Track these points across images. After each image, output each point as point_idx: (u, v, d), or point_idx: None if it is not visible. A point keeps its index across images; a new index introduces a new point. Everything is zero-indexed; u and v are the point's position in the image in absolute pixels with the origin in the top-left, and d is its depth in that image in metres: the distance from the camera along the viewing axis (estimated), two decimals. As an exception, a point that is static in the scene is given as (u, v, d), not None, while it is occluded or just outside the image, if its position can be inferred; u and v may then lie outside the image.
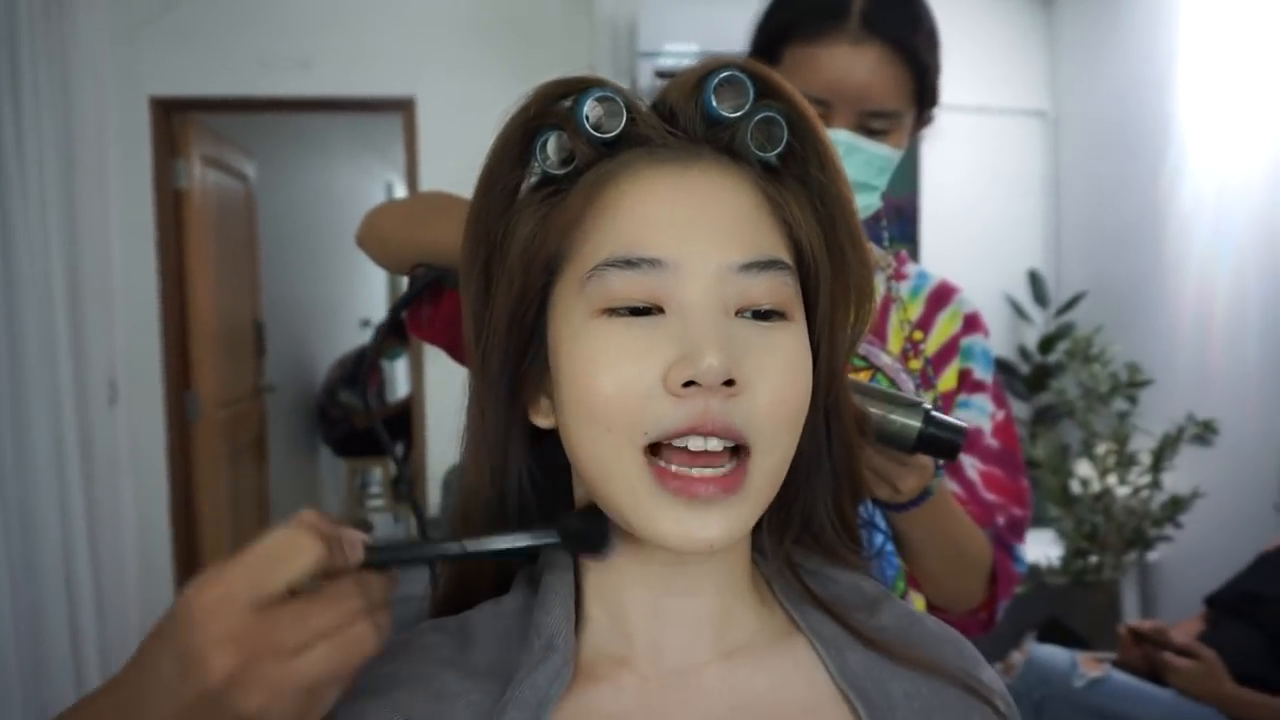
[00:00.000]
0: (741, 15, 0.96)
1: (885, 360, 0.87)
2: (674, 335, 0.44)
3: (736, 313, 0.46)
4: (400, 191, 5.87)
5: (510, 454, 0.52)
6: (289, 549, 0.40)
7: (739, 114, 0.49)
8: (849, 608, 0.53)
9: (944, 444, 0.69)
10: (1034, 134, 3.46)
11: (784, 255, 0.48)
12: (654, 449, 0.45)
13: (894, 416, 0.67)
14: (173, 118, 3.33)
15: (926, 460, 0.74)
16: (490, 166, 0.50)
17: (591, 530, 0.49)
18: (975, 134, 3.40)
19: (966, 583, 0.91)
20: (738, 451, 0.45)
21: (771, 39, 0.89)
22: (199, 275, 3.43)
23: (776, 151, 0.49)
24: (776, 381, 0.45)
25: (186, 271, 3.38)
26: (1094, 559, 2.65)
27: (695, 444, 0.44)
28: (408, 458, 5.54)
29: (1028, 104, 3.44)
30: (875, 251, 0.97)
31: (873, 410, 0.68)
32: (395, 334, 0.77)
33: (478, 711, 0.46)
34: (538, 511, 0.54)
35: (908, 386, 0.86)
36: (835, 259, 0.50)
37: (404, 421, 5.32)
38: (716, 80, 0.48)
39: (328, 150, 5.15)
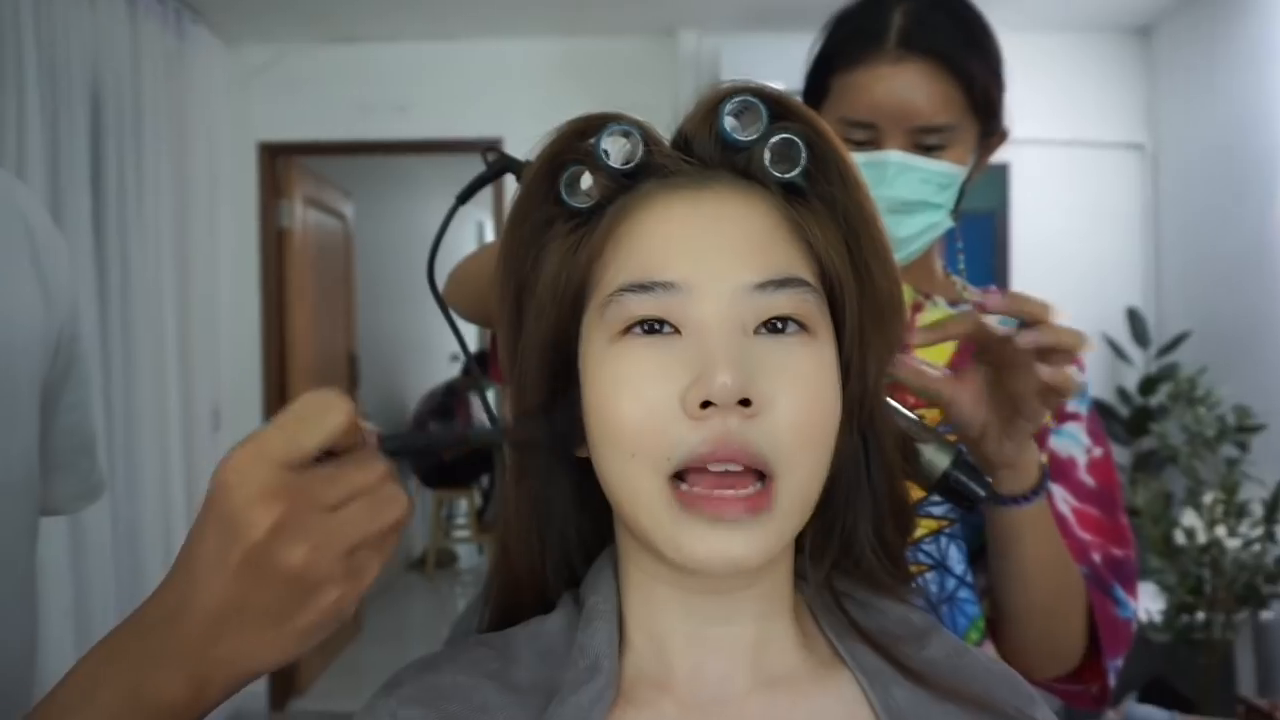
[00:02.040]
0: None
1: None
2: (690, 356, 0.45)
3: (756, 330, 0.46)
4: (490, 229, 6.04)
5: (551, 486, 0.53)
6: (321, 409, 0.41)
7: (753, 138, 0.49)
8: (896, 640, 0.51)
9: (966, 490, 0.67)
10: (1131, 167, 3.34)
11: (805, 274, 0.48)
12: (678, 474, 0.45)
13: (924, 448, 0.65)
14: (277, 161, 3.53)
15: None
16: (519, 202, 0.51)
17: (567, 428, 0.50)
18: (1069, 167, 3.30)
19: (1071, 621, 0.84)
20: (762, 475, 0.45)
21: (818, 71, 0.90)
22: (298, 310, 3.59)
23: (795, 172, 0.49)
24: (796, 398, 0.45)
25: (287, 306, 3.54)
26: (1201, 615, 2.49)
27: (716, 466, 0.44)
28: (493, 489, 5.64)
29: (1124, 137, 3.33)
30: (957, 282, 0.94)
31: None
32: (486, 368, 0.80)
33: None
34: (577, 545, 0.54)
35: None
36: (861, 277, 0.50)
37: (490, 454, 5.42)
38: (729, 106, 0.49)
39: (421, 191, 5.35)
